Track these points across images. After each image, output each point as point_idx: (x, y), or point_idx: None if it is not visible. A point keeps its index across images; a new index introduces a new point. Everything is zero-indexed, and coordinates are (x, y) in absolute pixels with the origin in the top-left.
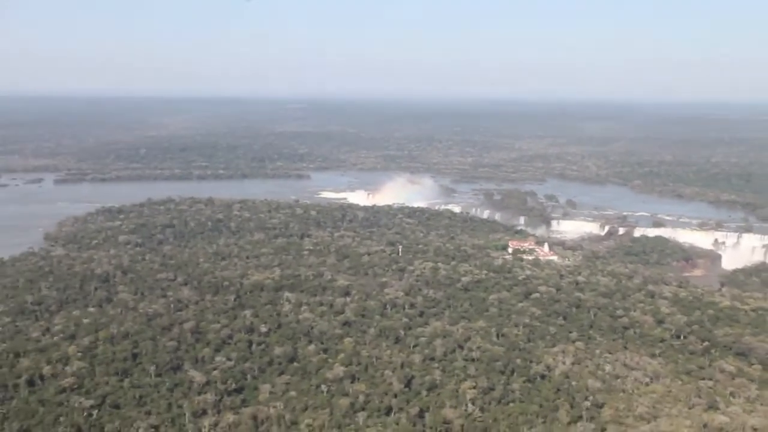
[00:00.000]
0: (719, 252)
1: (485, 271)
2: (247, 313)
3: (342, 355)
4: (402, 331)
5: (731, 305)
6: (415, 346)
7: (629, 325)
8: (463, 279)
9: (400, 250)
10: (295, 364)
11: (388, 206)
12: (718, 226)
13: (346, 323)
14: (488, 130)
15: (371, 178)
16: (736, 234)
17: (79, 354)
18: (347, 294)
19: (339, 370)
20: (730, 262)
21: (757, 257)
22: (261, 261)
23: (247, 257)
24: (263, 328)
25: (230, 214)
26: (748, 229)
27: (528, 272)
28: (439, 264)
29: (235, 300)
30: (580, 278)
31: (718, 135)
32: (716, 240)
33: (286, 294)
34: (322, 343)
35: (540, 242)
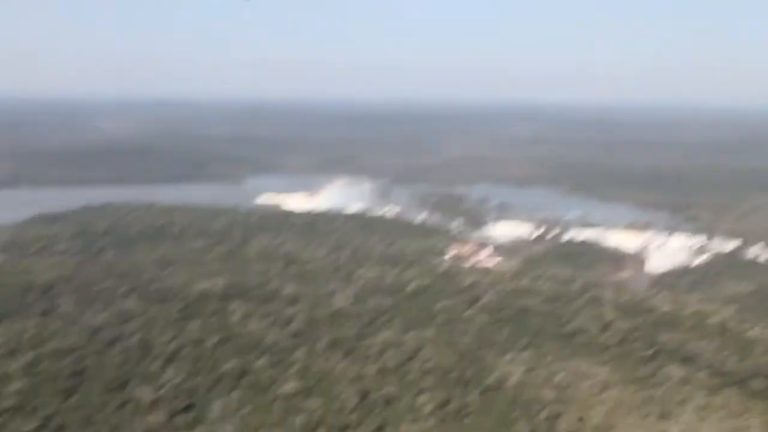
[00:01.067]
0: (647, 253)
1: (430, 278)
2: (195, 324)
3: (294, 369)
4: (353, 342)
5: (671, 310)
6: (367, 358)
7: (576, 331)
8: (410, 286)
9: (345, 256)
10: (247, 378)
11: (329, 211)
12: (646, 227)
13: (296, 334)
14: (421, 132)
15: (308, 182)
16: (663, 236)
17: (21, 372)
18: (295, 303)
19: (292, 384)
20: (658, 263)
21: (683, 258)
22: (206, 268)
23: (192, 264)
24: (212, 340)
25: (171, 219)
26: (675, 230)
27: (473, 278)
28: (384, 270)
29: (181, 310)
30: (523, 283)
31: (642, 137)
32: (644, 241)
33: (234, 303)
34: (273, 355)
35: (480, 246)
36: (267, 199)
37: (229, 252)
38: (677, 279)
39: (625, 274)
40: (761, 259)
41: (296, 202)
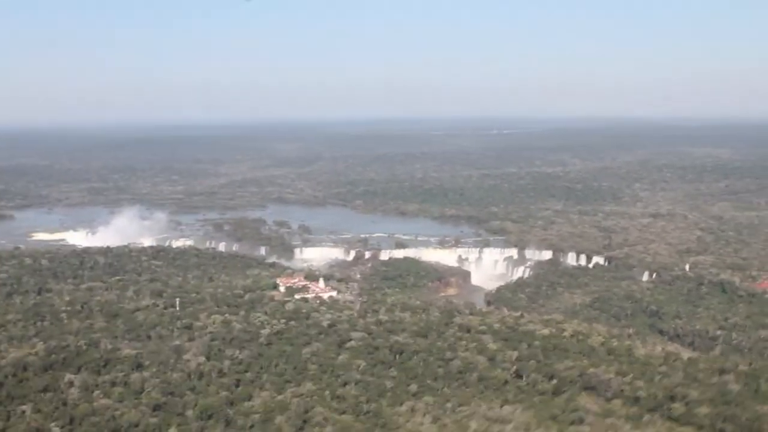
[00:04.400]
0: (466, 269)
1: (282, 320)
2: (25, 408)
3: None
4: (227, 409)
5: (550, 333)
6: (251, 427)
7: (464, 368)
8: (262, 332)
9: (177, 303)
10: None
11: (126, 247)
12: (458, 242)
13: (156, 407)
14: (185, 156)
15: (82, 215)
16: (477, 249)
17: None
18: (140, 367)
19: None
20: (478, 277)
21: (500, 270)
22: (10, 331)
23: None
24: (55, 429)
25: None
26: (486, 244)
27: (327, 316)
28: (227, 316)
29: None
30: (381, 317)
31: (407, 150)
32: (460, 256)
33: (67, 375)
34: None
35: (310, 277)
36: (42, 237)
37: (33, 306)
38: (514, 294)
39: (450, 290)
40: (577, 268)
41: (77, 238)
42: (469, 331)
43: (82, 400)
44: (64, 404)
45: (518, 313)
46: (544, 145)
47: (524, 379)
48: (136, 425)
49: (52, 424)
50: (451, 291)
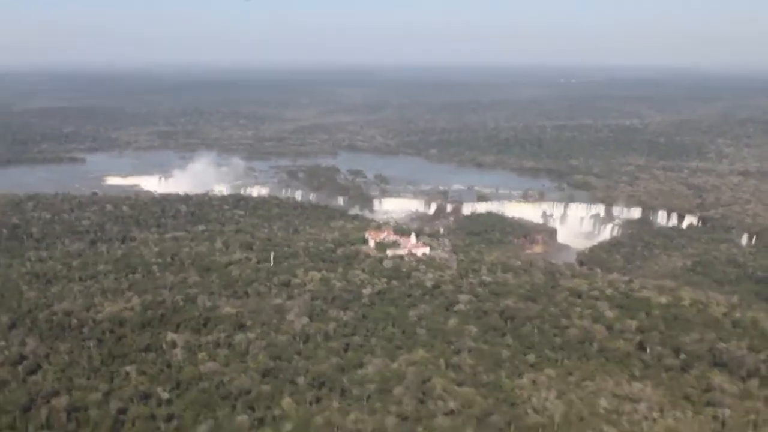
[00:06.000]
0: (551, 225)
1: (383, 278)
2: (129, 369)
3: (289, 427)
4: (339, 377)
5: (668, 302)
6: (369, 399)
7: (582, 337)
8: (364, 291)
9: (272, 258)
10: None
11: (207, 196)
12: (541, 197)
13: (265, 373)
14: (250, 100)
15: (152, 159)
16: (562, 205)
17: None
18: (242, 327)
19: None
20: (564, 234)
21: (587, 228)
22: (103, 283)
23: (81, 278)
24: (163, 394)
25: (25, 216)
26: (571, 199)
27: (429, 275)
28: (324, 272)
29: (98, 347)
30: (484, 278)
31: (474, 98)
32: (544, 212)
33: (169, 335)
34: (251, 409)
35: (399, 231)
36: (115, 181)
37: (122, 256)
38: (609, 254)
39: (536, 248)
40: (671, 228)
41: (151, 183)
42: (580, 296)
43: (187, 362)
44: (168, 366)
45: (627, 278)
46: (615, 95)
47: (648, 352)
48: (248, 392)
49: (159, 388)
50: (538, 249)
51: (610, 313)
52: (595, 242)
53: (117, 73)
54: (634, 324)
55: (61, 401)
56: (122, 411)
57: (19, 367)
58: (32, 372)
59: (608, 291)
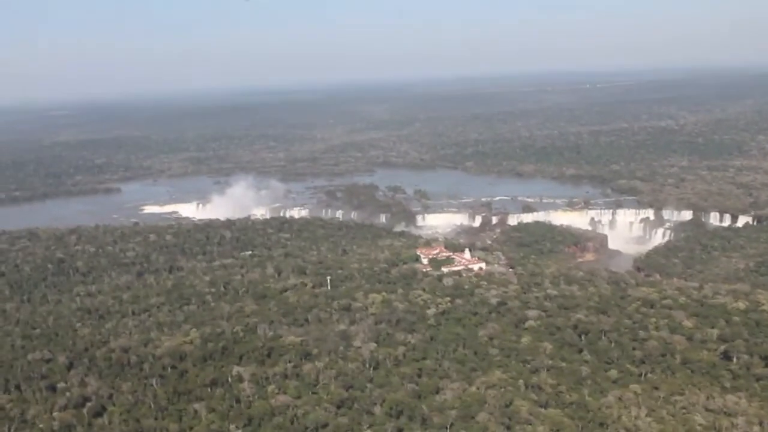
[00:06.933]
0: (601, 232)
1: (445, 297)
2: (198, 407)
3: None
4: (416, 404)
5: (748, 307)
6: (452, 426)
7: (663, 349)
8: (428, 312)
9: (329, 282)
10: None
11: (249, 220)
12: (587, 203)
13: (340, 404)
14: (277, 121)
15: (187, 186)
16: (609, 211)
17: None
18: (308, 356)
19: None
20: (614, 241)
21: (637, 233)
22: (157, 316)
23: (134, 312)
24: None
25: (69, 250)
26: (618, 205)
27: (492, 291)
28: (384, 294)
29: (162, 384)
30: (549, 291)
31: (502, 108)
32: (592, 219)
33: (235, 368)
34: None
35: (451, 247)
36: (153, 210)
37: (173, 287)
38: (667, 259)
39: (587, 256)
40: (726, 229)
41: (189, 210)
42: (652, 306)
43: (257, 396)
44: (238, 401)
45: (696, 284)
46: (644, 98)
47: (735, 361)
48: (324, 425)
49: (231, 426)
50: (589, 256)
51: (688, 323)
52: (647, 247)
53: (137, 102)
54: (714, 333)
55: None
56: None
57: (84, 410)
58: (97, 414)
59: (681, 299)
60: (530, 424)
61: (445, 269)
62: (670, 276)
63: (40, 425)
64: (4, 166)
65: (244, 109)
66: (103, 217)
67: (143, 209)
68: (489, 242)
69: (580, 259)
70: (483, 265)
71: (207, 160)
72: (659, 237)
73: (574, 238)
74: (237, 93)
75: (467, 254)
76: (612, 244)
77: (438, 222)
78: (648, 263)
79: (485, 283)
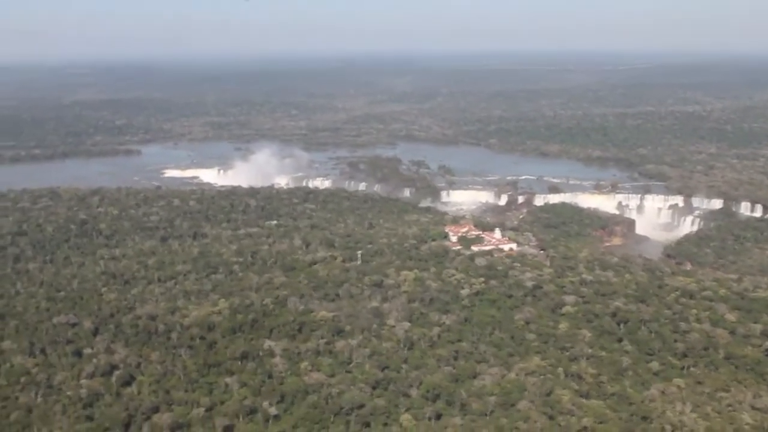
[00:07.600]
0: (628, 216)
1: (479, 278)
2: (230, 381)
3: None
4: (454, 389)
5: None
6: (492, 413)
7: (706, 343)
8: (462, 292)
9: (359, 256)
10: None
11: (274, 190)
12: (615, 187)
13: (375, 384)
14: (298, 89)
15: (208, 150)
16: (638, 195)
17: None
18: (341, 332)
19: None
20: (642, 226)
21: (665, 219)
22: (184, 284)
23: (160, 279)
24: (270, 409)
25: (92, 211)
26: (647, 190)
27: (527, 274)
28: (416, 272)
29: (191, 355)
30: (585, 276)
31: (524, 86)
32: (620, 203)
33: (266, 342)
34: (367, 425)
35: (480, 225)
36: (174, 174)
37: (199, 255)
38: (699, 248)
39: (615, 240)
40: (759, 220)
41: (210, 175)
42: (692, 296)
43: (290, 373)
44: (270, 377)
45: (735, 276)
46: (668, 81)
47: None
48: (360, 407)
49: (265, 402)
50: (616, 241)
51: (730, 316)
52: (675, 234)
53: (156, 64)
54: (758, 328)
55: (164, 418)
56: (229, 428)
57: (112, 378)
58: (126, 383)
59: (721, 291)
60: (573, 416)
61: (474, 248)
62: (702, 265)
63: (68, 392)
64: (24, 124)
65: (264, 75)
66: (124, 179)
67: (164, 173)
68: (516, 222)
69: (607, 243)
70: (514, 245)
71: (228, 126)
72: (688, 225)
73: (601, 222)
74: (256, 60)
75: (497, 234)
76: (639, 230)
77: (463, 199)
78: (679, 251)
79: (518, 264)
